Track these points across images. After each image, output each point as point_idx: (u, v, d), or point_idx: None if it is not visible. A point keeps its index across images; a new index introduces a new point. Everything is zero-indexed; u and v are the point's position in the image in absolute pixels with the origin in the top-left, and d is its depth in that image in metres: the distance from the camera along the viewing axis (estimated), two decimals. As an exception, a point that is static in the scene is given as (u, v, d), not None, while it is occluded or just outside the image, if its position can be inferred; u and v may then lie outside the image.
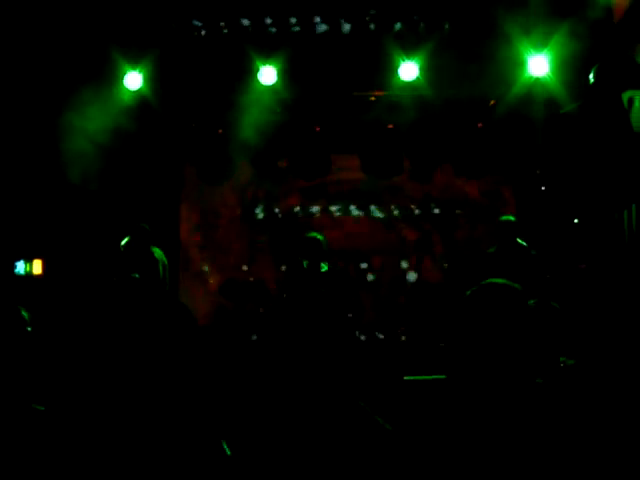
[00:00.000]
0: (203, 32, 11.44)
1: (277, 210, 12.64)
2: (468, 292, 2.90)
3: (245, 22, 11.40)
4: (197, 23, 11.40)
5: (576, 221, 8.85)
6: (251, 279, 12.51)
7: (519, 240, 9.85)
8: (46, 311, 9.93)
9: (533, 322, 2.77)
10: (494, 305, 2.78)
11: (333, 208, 12.59)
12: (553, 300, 6.51)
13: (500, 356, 2.69)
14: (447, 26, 11.12)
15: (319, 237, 9.14)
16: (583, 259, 8.79)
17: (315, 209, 12.60)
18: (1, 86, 10.50)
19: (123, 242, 9.49)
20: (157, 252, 9.68)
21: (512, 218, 9.93)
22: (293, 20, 11.43)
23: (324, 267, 9.15)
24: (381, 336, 11.92)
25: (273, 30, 11.37)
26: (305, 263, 9.24)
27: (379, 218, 12.56)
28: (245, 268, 12.55)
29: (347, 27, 11.37)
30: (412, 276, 12.36)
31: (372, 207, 12.58)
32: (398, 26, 11.26)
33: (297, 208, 12.61)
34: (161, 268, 9.67)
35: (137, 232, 9.48)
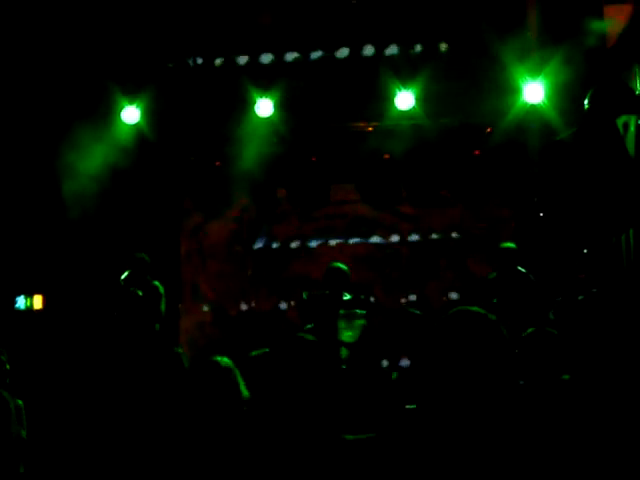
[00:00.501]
0: (199, 62, 11.51)
1: (275, 241, 12.66)
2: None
3: (241, 55, 11.47)
4: (193, 57, 11.47)
5: (585, 251, 8.87)
6: (249, 310, 12.52)
7: (519, 267, 9.86)
8: (46, 345, 9.96)
9: (503, 352, 2.72)
10: (463, 333, 2.74)
11: (332, 237, 12.61)
12: (551, 325, 6.50)
13: (466, 384, 2.66)
14: (442, 54, 11.18)
15: (343, 267, 9.14)
16: (583, 283, 8.80)
17: (314, 238, 12.62)
18: (1, 122, 10.55)
19: (123, 276, 9.51)
20: (160, 287, 9.71)
21: (512, 245, 9.94)
22: (289, 53, 11.50)
23: (347, 296, 9.14)
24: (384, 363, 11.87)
25: (269, 63, 11.44)
26: (305, 294, 9.22)
27: (379, 245, 12.59)
28: (244, 299, 12.57)
29: (342, 58, 11.44)
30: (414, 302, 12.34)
31: (372, 235, 12.60)
32: (393, 55, 11.32)
33: (295, 239, 12.64)
34: (163, 304, 9.71)
35: (136, 264, 9.51)
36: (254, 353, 6.01)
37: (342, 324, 8.58)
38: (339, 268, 9.11)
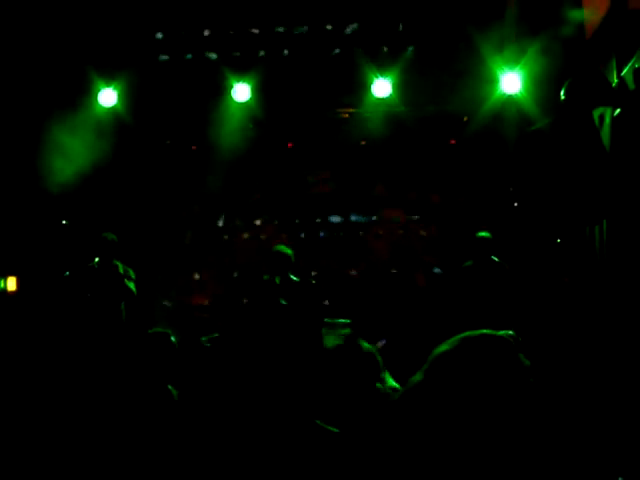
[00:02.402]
0: (178, 49, 11.48)
1: (244, 224, 12.66)
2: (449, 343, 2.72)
3: (219, 38, 11.44)
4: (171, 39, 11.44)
5: (559, 241, 8.90)
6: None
7: (493, 257, 9.89)
8: (20, 327, 9.93)
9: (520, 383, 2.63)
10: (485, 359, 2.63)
11: (309, 221, 12.63)
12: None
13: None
14: (420, 44, 11.19)
15: (286, 250, 9.27)
16: (556, 273, 8.83)
17: (288, 224, 12.64)
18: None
19: (96, 260, 9.48)
20: (130, 271, 9.70)
21: (488, 234, 9.96)
22: (267, 38, 11.47)
23: (294, 279, 9.27)
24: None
25: (247, 48, 11.41)
26: (277, 279, 9.28)
27: (357, 230, 12.62)
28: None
29: (322, 44, 11.42)
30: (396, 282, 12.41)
31: (352, 216, 12.62)
32: (371, 42, 11.32)
33: (267, 222, 12.67)
34: (134, 288, 9.69)
35: (106, 246, 9.48)
36: (204, 338, 6.05)
37: (325, 331, 8.71)
38: (281, 251, 9.26)
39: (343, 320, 9.14)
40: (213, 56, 11.38)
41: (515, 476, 2.52)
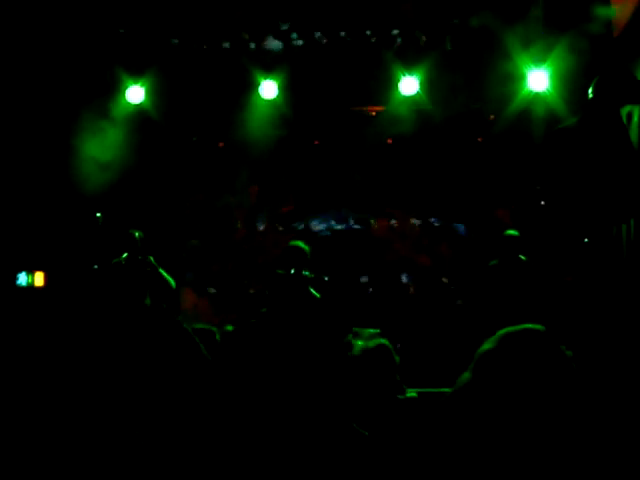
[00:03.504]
0: (205, 46, 11.47)
1: (277, 224, 12.66)
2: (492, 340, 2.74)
3: (247, 37, 11.45)
4: (199, 37, 11.45)
5: (586, 240, 8.85)
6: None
7: (520, 255, 9.85)
8: (47, 323, 9.98)
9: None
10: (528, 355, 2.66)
11: (333, 222, 12.61)
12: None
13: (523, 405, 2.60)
14: (447, 41, 11.16)
15: (303, 246, 9.21)
16: (581, 273, 8.79)
17: (315, 221, 12.62)
18: (5, 98, 10.54)
19: (124, 256, 9.52)
20: (164, 274, 9.73)
21: (515, 233, 9.93)
22: (294, 35, 11.47)
23: (309, 275, 9.22)
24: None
25: (275, 45, 11.41)
26: (307, 272, 9.27)
27: (380, 229, 12.60)
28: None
29: (348, 42, 11.41)
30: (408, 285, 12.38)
31: (371, 220, 12.60)
32: (398, 40, 11.29)
33: (296, 221, 12.65)
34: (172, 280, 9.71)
35: (133, 243, 9.51)
36: (229, 328, 6.03)
37: (355, 342, 8.69)
38: (298, 247, 9.18)
39: (372, 330, 9.12)
40: (240, 53, 11.38)
41: (569, 464, 2.53)
